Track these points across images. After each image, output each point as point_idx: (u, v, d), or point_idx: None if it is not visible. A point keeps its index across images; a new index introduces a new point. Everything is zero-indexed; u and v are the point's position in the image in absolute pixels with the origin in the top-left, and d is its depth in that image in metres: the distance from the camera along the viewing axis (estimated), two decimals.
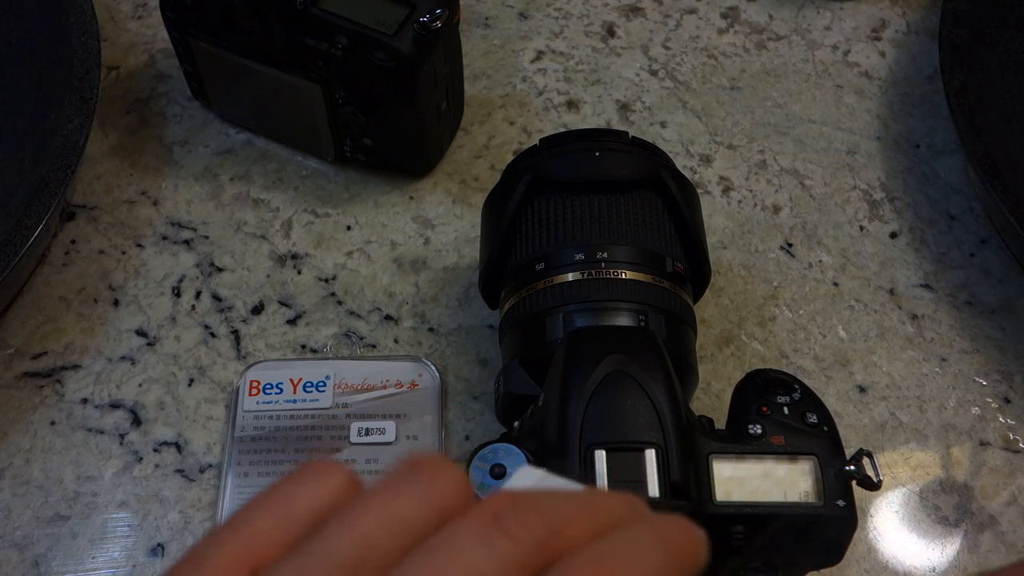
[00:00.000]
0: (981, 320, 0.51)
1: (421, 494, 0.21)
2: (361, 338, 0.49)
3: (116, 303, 0.50)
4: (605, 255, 0.40)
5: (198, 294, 0.51)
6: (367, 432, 0.46)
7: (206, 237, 0.52)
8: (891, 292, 0.51)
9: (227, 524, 0.21)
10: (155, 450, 0.46)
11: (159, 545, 0.44)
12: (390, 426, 0.46)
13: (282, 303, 0.51)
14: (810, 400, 0.37)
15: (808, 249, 0.53)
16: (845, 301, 0.51)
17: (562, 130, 0.54)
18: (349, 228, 0.53)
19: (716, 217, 0.54)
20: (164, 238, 0.52)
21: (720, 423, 0.38)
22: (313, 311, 0.50)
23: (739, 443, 0.36)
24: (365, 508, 0.21)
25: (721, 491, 0.35)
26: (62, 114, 0.49)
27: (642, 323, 0.39)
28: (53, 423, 0.47)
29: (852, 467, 0.35)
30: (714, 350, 0.49)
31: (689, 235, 0.43)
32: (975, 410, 0.48)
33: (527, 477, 0.25)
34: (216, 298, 0.51)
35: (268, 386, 0.47)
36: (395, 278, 0.51)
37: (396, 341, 0.49)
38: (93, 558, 0.43)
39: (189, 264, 0.52)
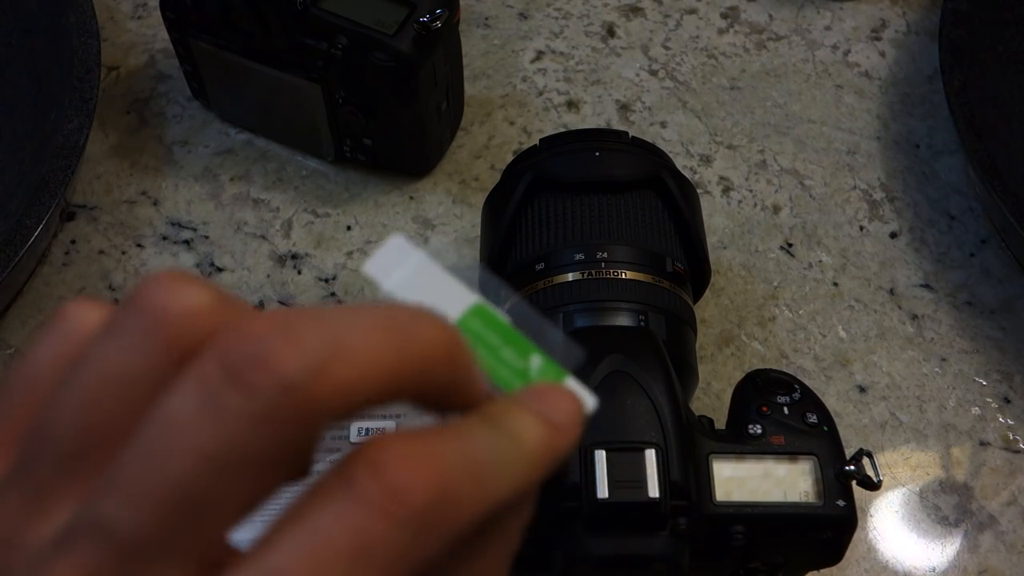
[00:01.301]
0: (981, 320, 0.51)
1: (144, 337, 0.16)
2: None
3: (116, 303, 0.50)
4: (605, 255, 0.40)
5: None
6: (367, 432, 0.46)
7: (206, 237, 0.52)
8: (891, 292, 0.51)
9: None
10: None
11: None
12: (390, 426, 0.46)
13: (282, 303, 0.51)
14: (810, 400, 0.37)
15: (808, 249, 0.53)
16: (845, 301, 0.51)
17: (562, 130, 0.54)
18: (349, 228, 0.53)
19: (716, 217, 0.54)
20: (164, 238, 0.52)
21: (720, 423, 0.38)
22: None
23: (739, 443, 0.36)
24: (87, 362, 0.17)
25: (721, 491, 0.35)
26: (62, 114, 0.49)
27: (642, 323, 0.39)
28: None
29: (852, 467, 0.35)
30: (714, 350, 0.49)
31: (689, 235, 0.43)
32: (975, 410, 0.48)
33: (398, 258, 0.19)
34: None
35: None
36: None
37: None
38: None
39: (189, 264, 0.52)
